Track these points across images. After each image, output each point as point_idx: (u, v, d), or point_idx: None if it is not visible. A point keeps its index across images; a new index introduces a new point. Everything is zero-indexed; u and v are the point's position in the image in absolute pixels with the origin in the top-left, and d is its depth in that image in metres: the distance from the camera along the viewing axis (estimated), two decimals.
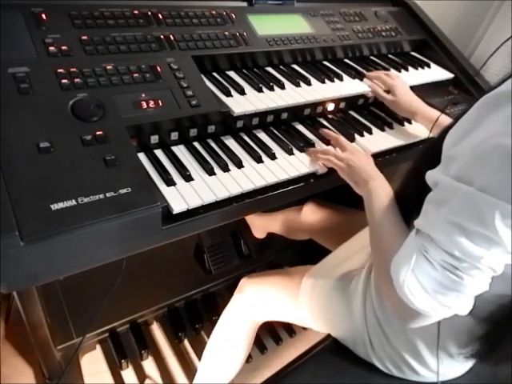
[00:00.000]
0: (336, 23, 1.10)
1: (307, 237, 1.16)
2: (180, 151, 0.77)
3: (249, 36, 0.94)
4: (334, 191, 0.90)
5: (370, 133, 0.97)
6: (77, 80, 0.68)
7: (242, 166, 0.77)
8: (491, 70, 1.31)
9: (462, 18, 1.52)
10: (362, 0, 1.22)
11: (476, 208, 0.45)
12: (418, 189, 0.59)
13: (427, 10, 1.31)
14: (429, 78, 1.15)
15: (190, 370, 1.28)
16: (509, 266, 0.49)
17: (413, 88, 1.06)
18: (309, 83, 0.95)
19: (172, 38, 0.83)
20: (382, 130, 1.00)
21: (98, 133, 0.63)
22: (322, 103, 0.97)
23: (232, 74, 0.92)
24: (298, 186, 0.80)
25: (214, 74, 0.91)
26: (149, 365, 1.27)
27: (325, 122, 0.98)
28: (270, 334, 1.40)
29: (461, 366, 0.75)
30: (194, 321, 1.34)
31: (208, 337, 1.36)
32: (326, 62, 1.08)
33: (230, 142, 0.83)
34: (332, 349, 0.83)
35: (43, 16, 0.73)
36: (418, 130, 1.01)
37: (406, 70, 1.15)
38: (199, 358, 1.30)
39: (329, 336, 0.85)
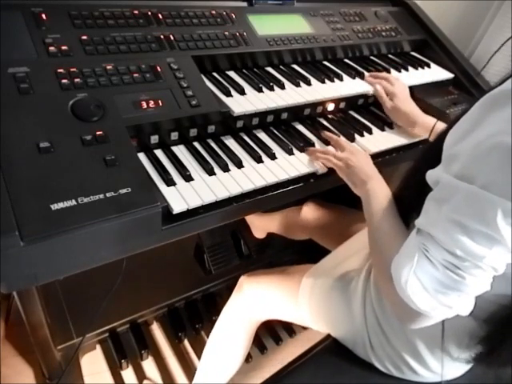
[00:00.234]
0: (336, 23, 1.10)
1: (307, 237, 1.16)
2: (180, 151, 0.77)
3: (249, 36, 0.94)
4: (333, 191, 0.90)
5: (370, 133, 0.97)
6: (77, 80, 0.68)
7: (242, 166, 0.77)
8: (491, 70, 1.31)
9: (462, 18, 1.52)
10: (362, 0, 1.22)
11: (477, 206, 0.45)
12: (418, 189, 0.59)
13: (427, 10, 1.31)
14: (429, 77, 1.15)
15: (190, 370, 1.28)
16: (509, 265, 0.49)
17: (413, 88, 1.06)
18: (309, 83, 0.95)
19: (172, 37, 0.83)
20: (382, 130, 1.00)
21: (97, 133, 0.63)
22: (322, 103, 0.97)
23: (232, 74, 0.92)
24: (298, 186, 0.80)
25: (214, 74, 0.91)
26: (149, 365, 1.27)
27: (325, 122, 0.98)
28: (270, 334, 1.40)
29: (461, 366, 0.75)
30: (193, 321, 1.34)
31: (208, 337, 1.36)
32: (326, 62, 1.08)
33: (230, 142, 0.83)
34: (332, 349, 0.83)
35: (43, 16, 0.73)
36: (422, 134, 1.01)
37: (406, 69, 1.15)
38: (199, 358, 1.30)
39: (329, 336, 0.85)
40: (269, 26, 0.99)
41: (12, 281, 0.55)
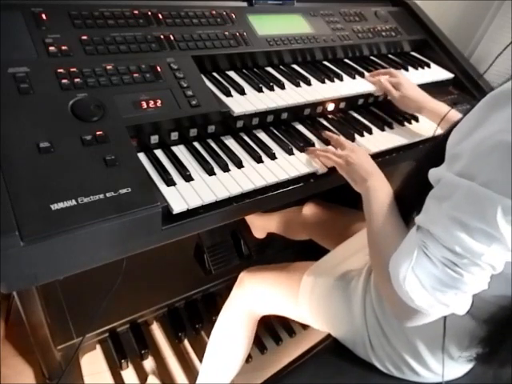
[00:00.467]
0: (336, 23, 1.10)
1: (307, 237, 1.16)
2: (180, 151, 0.77)
3: (249, 36, 0.94)
4: (333, 191, 0.90)
5: (370, 133, 0.97)
6: (77, 80, 0.68)
7: (242, 166, 0.77)
8: (492, 70, 1.31)
9: (462, 18, 1.52)
10: (362, 0, 1.22)
11: (478, 203, 0.45)
12: (420, 188, 0.59)
13: (427, 10, 1.31)
14: (429, 78, 1.15)
15: (190, 370, 1.28)
16: (509, 266, 0.49)
17: None
18: (309, 83, 0.95)
19: (172, 37, 0.83)
20: (382, 130, 1.00)
21: (98, 133, 0.63)
22: (322, 103, 0.97)
23: (232, 74, 0.92)
24: (298, 186, 0.80)
25: (214, 74, 0.91)
26: (149, 365, 1.27)
27: (325, 122, 0.98)
28: (270, 333, 1.40)
29: (461, 367, 0.75)
30: (193, 321, 1.34)
31: (208, 337, 1.36)
32: (326, 62, 1.08)
33: (230, 142, 0.83)
34: (332, 349, 0.83)
35: (43, 16, 0.73)
36: (418, 130, 1.01)
37: (406, 69, 1.15)
38: (199, 357, 1.30)
39: (329, 336, 0.85)
40: (269, 25, 0.99)
41: (12, 281, 0.55)
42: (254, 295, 0.96)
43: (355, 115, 1.04)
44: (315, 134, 0.93)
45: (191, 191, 0.68)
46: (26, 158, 0.57)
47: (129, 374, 1.23)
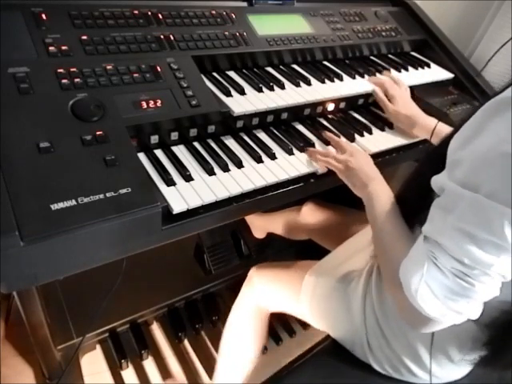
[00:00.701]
0: (336, 23, 1.10)
1: (307, 237, 1.16)
2: (180, 151, 0.77)
3: (249, 36, 0.94)
4: (333, 191, 0.90)
5: (370, 133, 0.97)
6: (77, 80, 0.68)
7: (242, 166, 0.77)
8: (492, 70, 1.31)
9: (462, 18, 1.52)
10: (362, 0, 1.22)
11: (483, 215, 0.45)
12: (421, 192, 0.59)
13: (427, 10, 1.31)
14: (429, 78, 1.15)
15: (190, 370, 1.28)
16: None
17: (413, 88, 1.06)
18: (309, 83, 0.95)
19: (172, 37, 0.83)
20: (382, 130, 1.00)
21: (98, 133, 0.63)
22: (322, 103, 0.97)
23: (232, 74, 0.92)
24: (298, 186, 0.80)
25: (214, 74, 0.91)
26: (149, 365, 1.27)
27: (325, 122, 0.98)
28: (270, 333, 1.40)
29: (461, 369, 0.75)
30: (193, 321, 1.34)
31: (208, 337, 1.36)
32: (326, 62, 1.08)
33: (230, 142, 0.83)
34: (331, 350, 0.83)
35: (43, 16, 0.73)
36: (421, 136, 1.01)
37: (406, 69, 1.15)
38: (199, 358, 1.31)
39: (328, 337, 0.85)
40: (269, 25, 0.99)
41: (12, 281, 0.55)
42: (261, 291, 0.98)
43: (355, 115, 1.04)
44: (315, 133, 0.93)
45: (191, 191, 0.68)
46: (26, 158, 0.57)
47: (129, 374, 1.23)
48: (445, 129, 0.86)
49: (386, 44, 1.19)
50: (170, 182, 0.68)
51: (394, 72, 1.11)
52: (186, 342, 1.35)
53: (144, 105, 0.70)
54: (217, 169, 0.74)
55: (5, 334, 1.24)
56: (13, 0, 0.72)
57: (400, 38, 1.22)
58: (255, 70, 0.96)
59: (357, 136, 0.94)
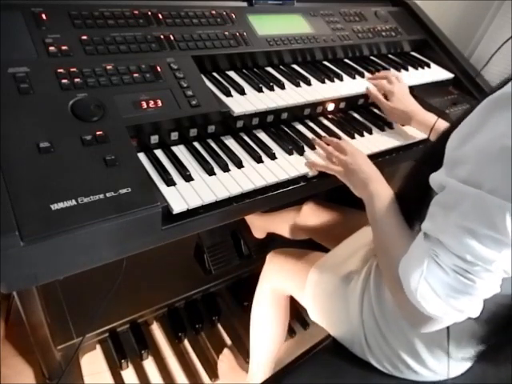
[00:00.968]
0: (336, 23, 1.10)
1: (307, 237, 1.16)
2: (180, 151, 0.77)
3: (249, 36, 0.94)
4: (334, 191, 0.90)
5: (370, 133, 0.97)
6: (77, 80, 0.68)
7: (242, 166, 0.77)
8: (492, 70, 1.31)
9: (462, 18, 1.52)
10: (362, 0, 1.22)
11: (486, 211, 0.45)
12: (419, 189, 0.59)
13: (427, 10, 1.31)
14: (429, 77, 1.15)
15: (190, 370, 1.28)
16: None
17: (413, 88, 1.06)
18: (309, 83, 0.95)
19: (172, 37, 0.83)
20: (382, 130, 1.00)
21: (97, 133, 0.63)
22: (322, 103, 0.97)
23: (232, 74, 0.92)
24: (298, 185, 0.80)
25: (214, 74, 0.91)
26: (149, 365, 1.27)
27: (325, 122, 0.98)
28: None
29: (460, 365, 0.75)
30: (194, 321, 1.34)
31: (208, 337, 1.36)
32: (326, 62, 1.08)
33: (230, 142, 0.83)
34: (332, 348, 0.83)
35: (43, 16, 0.73)
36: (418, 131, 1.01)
37: (406, 69, 1.15)
38: (199, 357, 1.31)
39: (329, 336, 0.85)
40: (269, 25, 0.99)
41: (12, 281, 0.55)
42: (276, 276, 1.01)
43: (355, 115, 1.04)
44: (315, 134, 0.93)
45: (191, 191, 0.68)
46: (26, 157, 0.57)
47: (129, 374, 1.23)
48: (444, 125, 0.85)
49: (386, 44, 1.19)
50: (169, 182, 0.68)
51: (393, 72, 1.11)
52: (186, 342, 1.35)
53: (144, 105, 0.70)
54: (217, 169, 0.74)
55: (5, 334, 1.24)
56: (13, 0, 0.72)
57: (400, 38, 1.22)
58: (255, 69, 0.97)
59: (357, 136, 0.94)
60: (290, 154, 0.84)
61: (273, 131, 0.90)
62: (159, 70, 0.76)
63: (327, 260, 0.90)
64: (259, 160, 0.79)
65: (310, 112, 0.96)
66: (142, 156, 0.73)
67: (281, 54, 1.00)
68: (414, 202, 0.62)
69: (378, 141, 0.95)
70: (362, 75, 1.05)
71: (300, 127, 0.94)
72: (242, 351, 1.32)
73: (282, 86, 0.91)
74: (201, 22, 0.89)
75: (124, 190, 0.59)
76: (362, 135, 0.96)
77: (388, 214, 0.66)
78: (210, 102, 0.77)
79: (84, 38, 0.74)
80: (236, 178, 0.74)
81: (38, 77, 0.65)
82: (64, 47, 0.71)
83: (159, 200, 0.62)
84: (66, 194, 0.55)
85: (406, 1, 1.30)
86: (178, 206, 0.64)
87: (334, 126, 0.97)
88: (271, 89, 0.89)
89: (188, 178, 0.70)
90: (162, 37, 0.82)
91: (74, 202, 0.55)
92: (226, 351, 1.32)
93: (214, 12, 0.92)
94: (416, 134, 1.00)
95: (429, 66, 1.22)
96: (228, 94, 0.83)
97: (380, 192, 0.70)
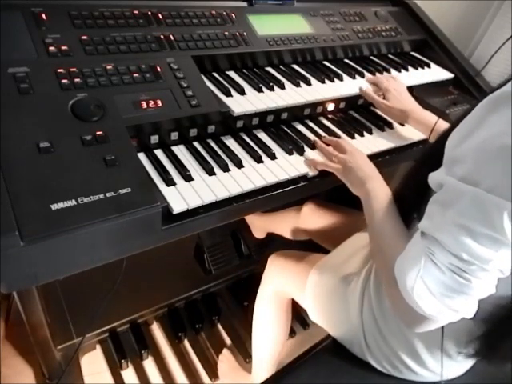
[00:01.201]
0: (336, 23, 1.10)
1: (307, 237, 1.16)
2: (180, 151, 0.77)
3: (249, 36, 0.94)
4: (334, 191, 0.90)
5: (370, 133, 0.97)
6: (77, 80, 0.68)
7: (242, 166, 0.77)
8: (492, 70, 1.31)
9: (462, 18, 1.52)
10: (362, 0, 1.22)
11: (483, 209, 0.45)
12: (418, 189, 0.59)
13: (427, 10, 1.31)
14: (429, 77, 1.15)
15: (190, 370, 1.28)
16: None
17: (413, 88, 1.06)
18: (309, 83, 0.95)
19: (172, 37, 0.83)
20: (382, 130, 1.00)
21: (97, 133, 0.63)
22: (322, 103, 0.97)
23: (232, 74, 0.92)
24: (298, 185, 0.80)
25: (214, 74, 0.91)
26: (149, 365, 1.27)
27: (325, 122, 0.98)
28: None
29: (460, 365, 0.75)
30: (193, 321, 1.34)
31: (208, 337, 1.36)
32: (326, 62, 1.08)
33: (230, 142, 0.83)
34: (332, 349, 0.83)
35: (43, 16, 0.73)
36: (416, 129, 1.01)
37: (406, 69, 1.15)
38: (199, 357, 1.31)
39: (328, 336, 0.85)
40: (269, 25, 0.99)
41: (12, 281, 0.55)
42: (277, 278, 1.01)
43: (355, 115, 1.04)
44: (315, 134, 0.93)
45: (191, 191, 0.68)
46: (26, 158, 0.57)
47: (129, 374, 1.23)
48: (444, 125, 0.85)
49: (386, 44, 1.19)
50: (169, 182, 0.68)
51: (393, 72, 1.11)
52: (186, 342, 1.35)
53: (144, 105, 0.70)
54: (217, 169, 0.74)
55: (5, 334, 1.24)
56: (13, 0, 0.72)
57: (400, 38, 1.22)
58: (255, 69, 0.97)
59: (357, 136, 0.94)
60: (290, 153, 0.84)
61: (273, 131, 0.90)
62: (159, 70, 0.76)
63: (327, 261, 0.90)
64: (259, 160, 0.79)
65: (310, 112, 0.96)
66: (141, 156, 0.73)
67: (281, 54, 1.00)
68: (412, 202, 0.62)
69: (378, 141, 0.95)
70: (362, 75, 1.05)
71: (300, 127, 0.94)
72: (242, 351, 1.32)
73: (282, 86, 0.91)
74: (201, 22, 0.89)
75: (124, 190, 0.59)
76: (361, 135, 0.96)
77: (385, 212, 0.66)
78: (210, 102, 0.77)
79: (84, 37, 0.74)
80: (236, 178, 0.73)
81: (38, 77, 0.65)
82: (64, 47, 0.71)
83: (159, 200, 0.62)
84: (65, 194, 0.55)
85: (405, 1, 1.30)
86: (178, 206, 0.64)
87: (334, 125, 0.97)
88: (271, 89, 0.89)
89: (188, 177, 0.70)
90: (162, 37, 0.82)
91: (74, 202, 0.55)
92: (225, 351, 1.32)
93: (213, 12, 0.92)
94: (416, 134, 1.00)
95: (429, 66, 1.22)
96: (228, 94, 0.83)
97: (377, 191, 0.70)
